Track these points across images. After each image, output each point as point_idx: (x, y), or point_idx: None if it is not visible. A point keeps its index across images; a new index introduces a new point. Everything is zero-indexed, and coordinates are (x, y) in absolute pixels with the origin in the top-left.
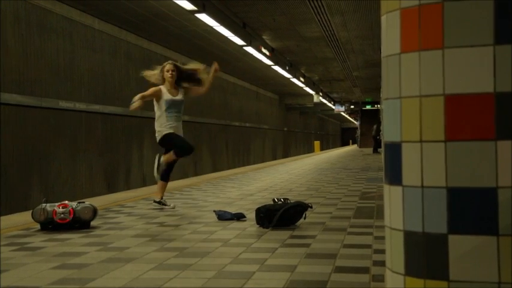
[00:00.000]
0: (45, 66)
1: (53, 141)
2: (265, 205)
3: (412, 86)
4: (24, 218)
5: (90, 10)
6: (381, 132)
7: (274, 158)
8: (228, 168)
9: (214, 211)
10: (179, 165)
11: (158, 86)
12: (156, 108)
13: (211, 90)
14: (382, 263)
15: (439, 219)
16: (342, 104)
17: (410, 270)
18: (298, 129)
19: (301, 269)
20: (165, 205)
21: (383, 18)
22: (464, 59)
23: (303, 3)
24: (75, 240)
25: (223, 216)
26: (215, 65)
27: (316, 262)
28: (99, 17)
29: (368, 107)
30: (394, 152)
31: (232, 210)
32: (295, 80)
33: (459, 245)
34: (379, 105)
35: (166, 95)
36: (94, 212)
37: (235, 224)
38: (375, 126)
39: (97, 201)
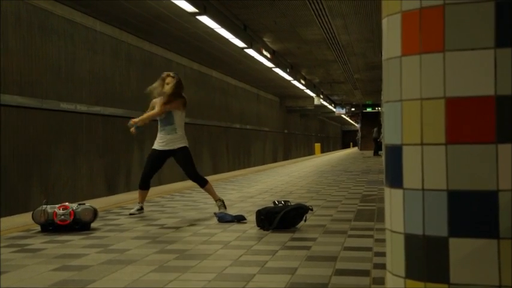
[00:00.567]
0: (46, 68)
1: (54, 142)
2: (265, 207)
3: (413, 89)
4: (24, 219)
5: (92, 12)
6: (381, 135)
7: (275, 160)
8: (228, 170)
9: (215, 213)
10: (179, 168)
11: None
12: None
13: (212, 92)
14: (382, 266)
15: (439, 222)
16: (342, 107)
17: (411, 273)
18: (299, 132)
19: (302, 272)
20: (135, 212)
21: (384, 21)
22: (465, 62)
23: (304, 5)
24: (75, 242)
25: (223, 219)
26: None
27: (316, 265)
28: (100, 18)
29: (369, 109)
30: (394, 154)
31: (233, 212)
32: (295, 82)
33: (460, 248)
34: (379, 108)
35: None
36: (94, 213)
37: (235, 226)
38: (375, 129)
39: (97, 203)
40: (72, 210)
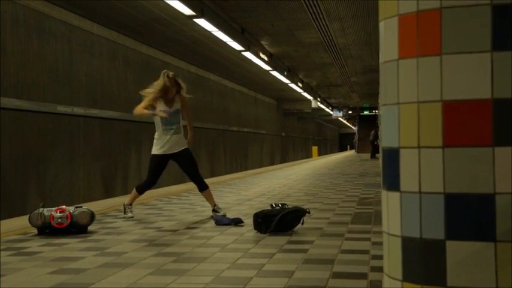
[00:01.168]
0: (43, 71)
1: (51, 145)
2: (263, 210)
3: (410, 92)
4: (21, 222)
5: (89, 15)
6: (378, 138)
7: (272, 163)
8: (225, 173)
9: (212, 216)
10: (177, 171)
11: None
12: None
13: (210, 95)
14: (379, 269)
15: (436, 225)
16: (339, 110)
17: (408, 276)
18: (296, 135)
19: (299, 275)
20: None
21: (381, 24)
22: (462, 65)
23: (302, 9)
24: (72, 245)
25: (221, 222)
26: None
27: (313, 268)
28: (98, 21)
29: (366, 112)
30: (392, 157)
31: (230, 215)
32: (293, 86)
33: (457, 251)
34: (377, 111)
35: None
36: (91, 216)
37: (232, 229)
38: (372, 132)
39: (94, 206)
40: (69, 213)
